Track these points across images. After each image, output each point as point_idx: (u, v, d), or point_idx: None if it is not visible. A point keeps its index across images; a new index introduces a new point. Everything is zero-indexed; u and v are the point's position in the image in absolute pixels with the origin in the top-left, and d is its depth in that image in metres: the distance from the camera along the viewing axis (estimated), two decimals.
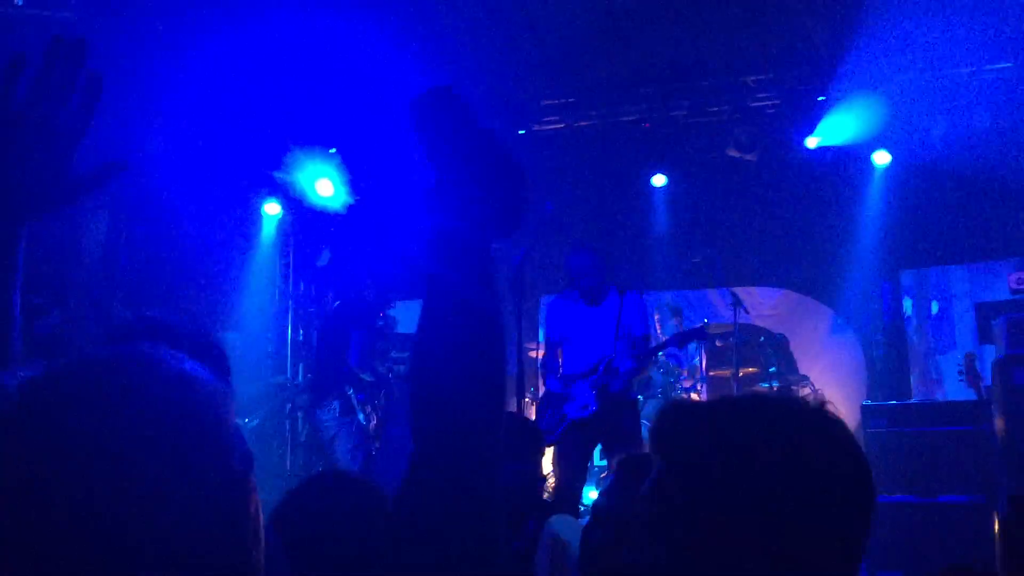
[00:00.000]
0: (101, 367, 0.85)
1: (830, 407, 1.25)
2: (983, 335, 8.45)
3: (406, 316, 9.90)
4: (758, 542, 1.14)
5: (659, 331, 8.38)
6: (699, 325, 7.37)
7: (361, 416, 7.11)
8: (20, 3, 5.69)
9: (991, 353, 7.21)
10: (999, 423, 6.37)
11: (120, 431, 0.80)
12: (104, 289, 7.46)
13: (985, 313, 8.37)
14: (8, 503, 0.77)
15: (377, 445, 7.31)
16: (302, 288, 10.02)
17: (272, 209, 9.68)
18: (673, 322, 8.51)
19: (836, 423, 1.23)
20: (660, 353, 7.31)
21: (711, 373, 8.62)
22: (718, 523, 1.16)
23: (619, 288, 6.25)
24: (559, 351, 6.36)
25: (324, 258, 9.80)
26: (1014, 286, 7.80)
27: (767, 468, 1.16)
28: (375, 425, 7.36)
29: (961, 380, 7.28)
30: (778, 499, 1.14)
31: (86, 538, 0.76)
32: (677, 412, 1.29)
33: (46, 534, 0.76)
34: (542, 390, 8.80)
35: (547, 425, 6.19)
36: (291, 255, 9.96)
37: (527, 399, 6.44)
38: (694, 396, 8.07)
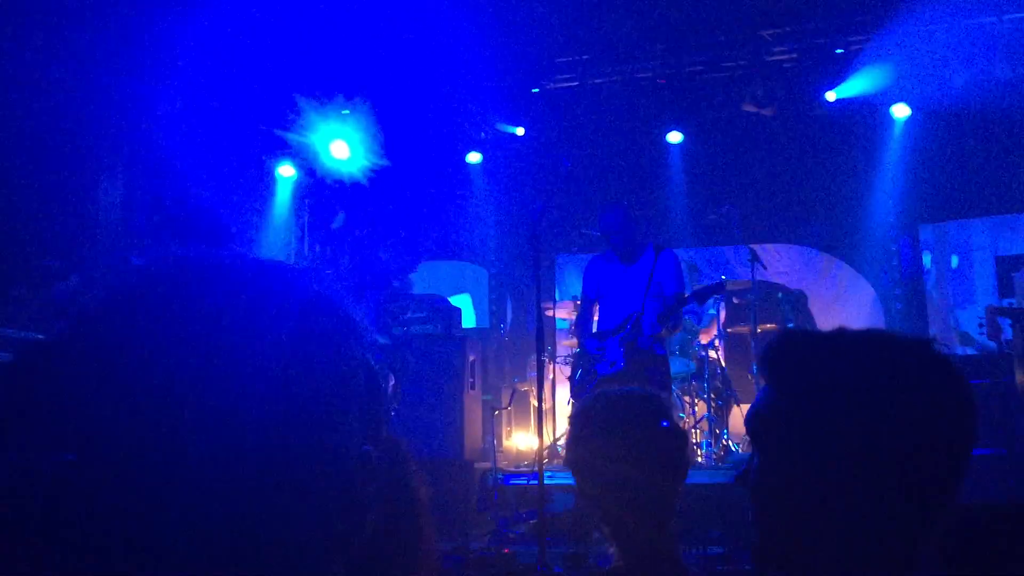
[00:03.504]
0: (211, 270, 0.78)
1: (937, 344, 1.27)
2: (1003, 288, 8.39)
3: (425, 277, 9.92)
4: (864, 470, 1.17)
5: None
6: (717, 280, 7.35)
7: None
8: None
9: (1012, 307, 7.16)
10: (1020, 376, 6.36)
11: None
12: (122, 251, 7.48)
13: (1005, 266, 8.31)
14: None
15: (395, 406, 7.33)
16: (317, 250, 10.03)
17: (286, 171, 9.66)
18: (689, 278, 8.48)
19: (943, 357, 1.25)
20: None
21: (729, 330, 8.61)
22: (827, 450, 1.19)
23: (656, 246, 6.30)
24: (594, 308, 6.44)
25: (339, 220, 9.80)
26: None
27: (879, 401, 1.18)
28: (393, 385, 7.38)
29: (982, 334, 7.25)
30: (888, 430, 1.17)
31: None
32: (790, 342, 1.30)
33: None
34: (561, 348, 8.85)
35: (579, 382, 6.35)
36: (306, 217, 9.96)
37: (545, 358, 6.44)
38: (712, 353, 8.06)
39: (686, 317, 8.19)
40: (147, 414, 0.69)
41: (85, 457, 0.69)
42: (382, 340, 7.50)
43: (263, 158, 9.32)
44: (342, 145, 9.17)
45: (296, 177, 9.73)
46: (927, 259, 9.59)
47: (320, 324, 0.79)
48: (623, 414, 2.11)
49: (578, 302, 8.71)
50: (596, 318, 6.57)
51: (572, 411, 2.38)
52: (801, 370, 1.25)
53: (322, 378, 0.77)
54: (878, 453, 1.16)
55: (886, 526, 1.18)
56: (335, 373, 0.79)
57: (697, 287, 6.87)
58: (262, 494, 0.71)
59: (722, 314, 8.41)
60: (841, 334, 1.29)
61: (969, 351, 8.32)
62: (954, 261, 9.48)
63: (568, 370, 8.39)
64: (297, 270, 0.81)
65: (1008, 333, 6.87)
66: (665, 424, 2.10)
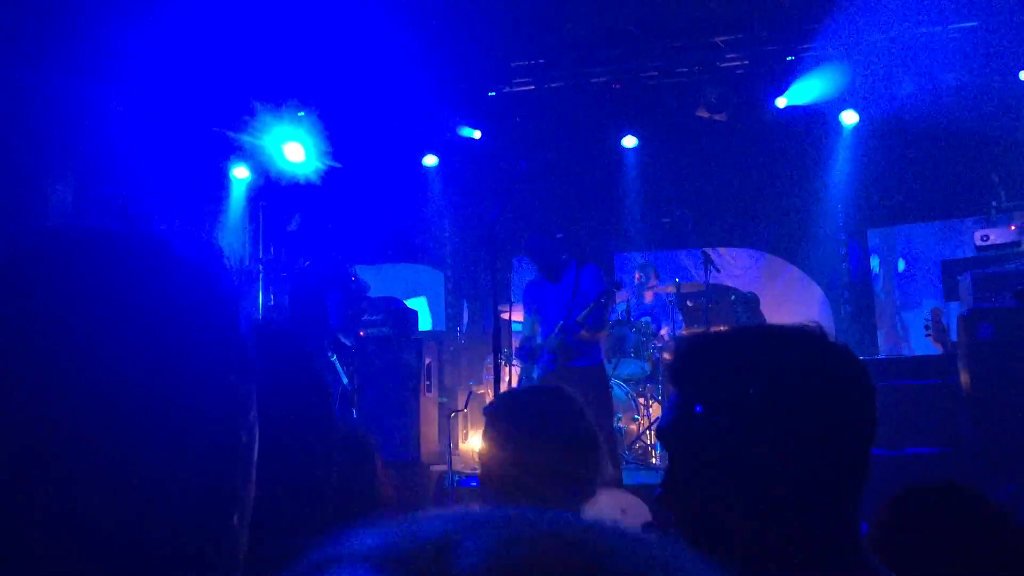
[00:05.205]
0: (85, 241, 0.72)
1: (828, 331, 1.28)
2: (949, 292, 8.59)
3: (381, 280, 9.90)
4: (782, 460, 1.17)
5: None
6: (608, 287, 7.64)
7: (345, 379, 7.12)
8: None
9: (956, 309, 7.34)
10: (964, 376, 6.49)
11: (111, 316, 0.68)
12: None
13: (951, 270, 8.50)
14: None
15: (355, 409, 7.31)
16: (272, 252, 9.95)
17: (241, 173, 9.58)
18: (652, 282, 8.62)
19: (837, 343, 1.27)
20: (633, 316, 7.65)
21: (683, 332, 8.70)
22: (742, 448, 1.19)
23: (578, 262, 6.69)
24: (534, 328, 6.88)
25: (295, 222, 9.74)
26: (979, 243, 7.92)
27: (781, 388, 1.19)
28: (355, 389, 7.36)
29: (928, 335, 7.42)
30: (797, 418, 1.18)
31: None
32: (690, 345, 1.31)
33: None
34: (517, 350, 8.91)
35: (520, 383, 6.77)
36: (261, 219, 9.88)
37: (501, 360, 6.51)
38: (666, 355, 8.14)
39: (644, 319, 8.30)
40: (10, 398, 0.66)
41: None
42: (346, 341, 7.49)
43: (216, 160, 9.23)
44: (296, 147, 9.12)
45: (250, 179, 9.66)
46: (875, 263, 9.79)
47: (187, 294, 0.73)
48: (528, 407, 2.15)
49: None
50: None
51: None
52: (707, 372, 1.25)
53: (179, 356, 0.71)
54: (790, 444, 1.17)
55: (807, 516, 1.18)
56: (193, 353, 0.72)
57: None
58: (113, 480, 0.67)
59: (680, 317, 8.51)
60: (741, 332, 1.31)
61: (915, 353, 8.50)
62: (901, 265, 9.69)
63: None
64: (188, 241, 0.76)
65: (953, 334, 7.04)
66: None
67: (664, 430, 1.28)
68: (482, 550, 0.39)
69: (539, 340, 6.75)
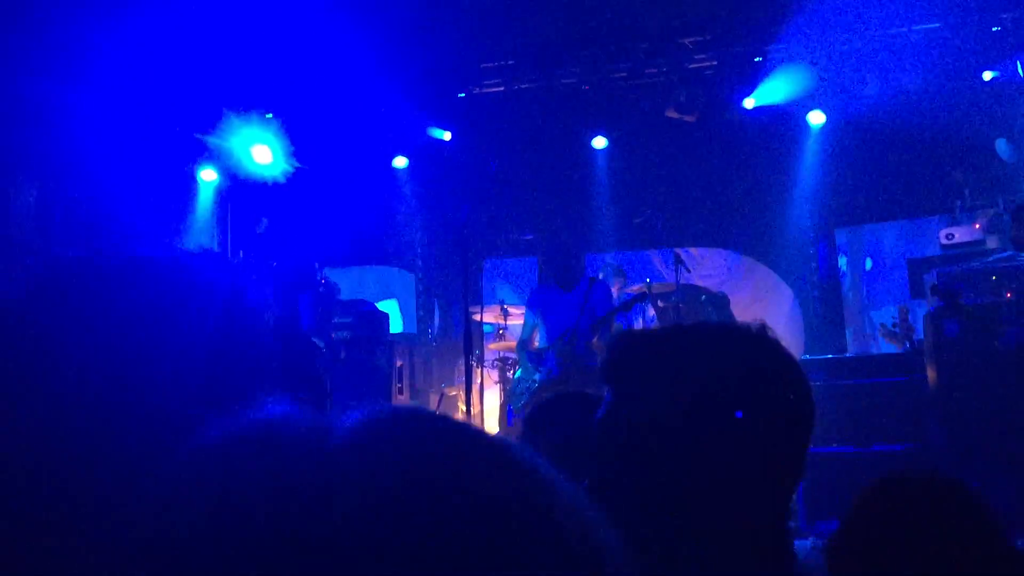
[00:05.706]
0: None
1: (769, 330, 1.28)
2: (915, 290, 8.69)
3: (352, 282, 9.86)
4: (708, 459, 1.16)
5: None
6: (638, 289, 7.76)
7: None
8: None
9: (923, 307, 7.42)
10: (930, 374, 6.59)
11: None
12: (38, 255, 7.27)
13: (916, 268, 8.60)
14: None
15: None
16: (241, 256, 9.88)
17: (208, 175, 9.50)
18: (617, 283, 8.63)
19: (775, 343, 1.26)
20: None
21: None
22: (668, 445, 1.17)
23: (591, 278, 6.92)
24: (534, 331, 7.09)
25: (263, 225, 9.68)
26: (944, 241, 8.03)
27: (714, 387, 1.18)
28: (329, 393, 7.32)
29: (881, 335, 7.49)
30: (725, 416, 1.16)
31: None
32: (624, 343, 1.30)
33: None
34: (488, 352, 8.90)
35: (514, 386, 6.93)
36: (229, 222, 9.81)
37: (473, 362, 6.53)
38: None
39: (616, 322, 8.35)
40: (50, 417, 0.67)
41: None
42: (319, 344, 7.46)
43: (183, 162, 9.14)
44: (264, 149, 9.05)
45: (218, 181, 9.58)
46: (842, 262, 9.88)
47: (234, 321, 0.77)
48: (557, 414, 2.16)
49: (505, 306, 8.82)
50: (536, 339, 7.17)
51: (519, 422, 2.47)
52: (639, 370, 1.24)
53: (236, 377, 0.75)
54: (719, 443, 1.16)
55: (735, 516, 1.16)
56: (246, 372, 0.76)
57: (622, 300, 7.35)
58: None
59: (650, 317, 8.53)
60: (676, 330, 1.29)
61: (883, 351, 8.57)
62: (868, 264, 9.78)
63: (496, 374, 8.43)
64: (215, 263, 0.79)
65: (920, 332, 7.13)
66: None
67: (596, 427, 1.27)
68: (358, 424, 0.42)
69: (541, 344, 6.94)
